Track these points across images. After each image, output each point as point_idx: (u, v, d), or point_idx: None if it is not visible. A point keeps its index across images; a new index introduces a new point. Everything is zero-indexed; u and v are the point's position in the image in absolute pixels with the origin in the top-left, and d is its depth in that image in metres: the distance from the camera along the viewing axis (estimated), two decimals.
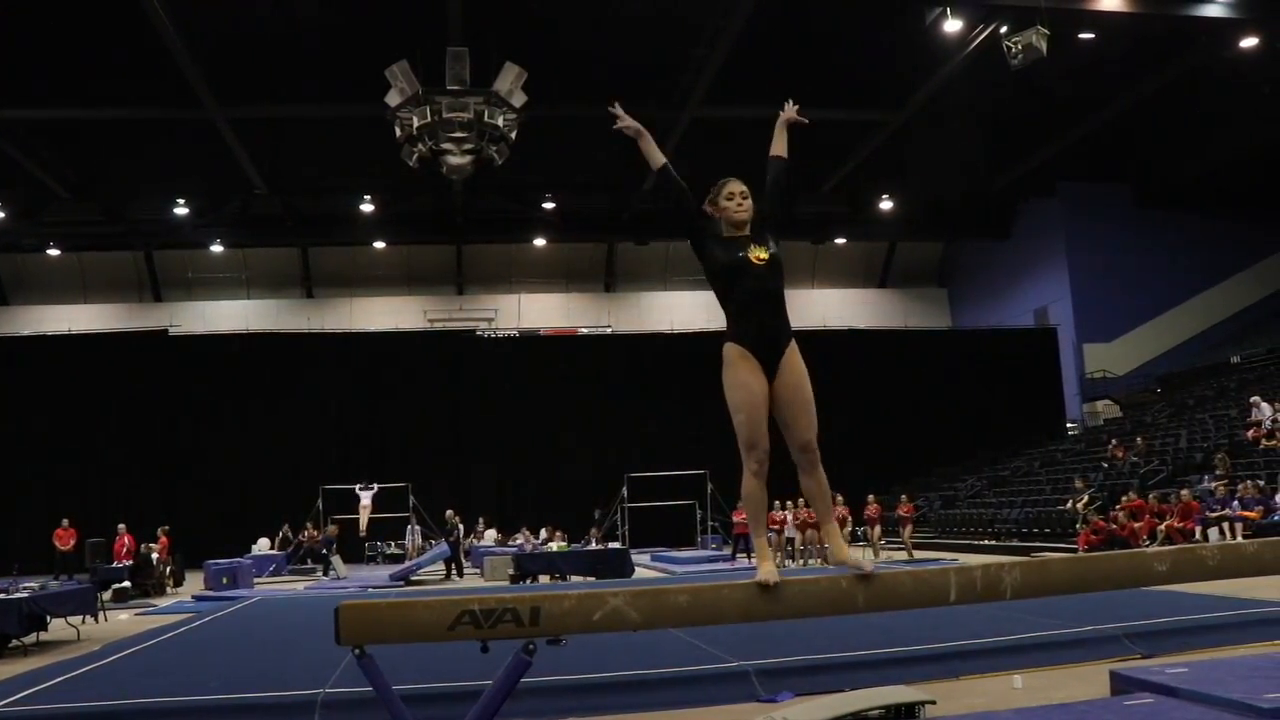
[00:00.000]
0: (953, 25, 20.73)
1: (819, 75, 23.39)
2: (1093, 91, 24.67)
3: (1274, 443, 18.27)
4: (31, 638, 10.26)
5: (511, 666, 3.70)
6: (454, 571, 19.86)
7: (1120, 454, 21.76)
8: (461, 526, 21.67)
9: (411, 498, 23.53)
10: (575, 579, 17.36)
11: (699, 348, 24.05)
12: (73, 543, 20.71)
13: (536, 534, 22.09)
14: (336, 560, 20.07)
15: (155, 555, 18.42)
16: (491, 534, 24.14)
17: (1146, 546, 14.37)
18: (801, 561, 19.17)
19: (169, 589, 18.39)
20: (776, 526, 18.74)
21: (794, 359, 4.07)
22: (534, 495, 27.28)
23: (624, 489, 23.95)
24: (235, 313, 33.62)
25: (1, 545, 21.89)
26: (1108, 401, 31.03)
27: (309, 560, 21.12)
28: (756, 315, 4.05)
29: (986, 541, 21.54)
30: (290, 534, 22.84)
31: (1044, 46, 19.15)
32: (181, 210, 30.36)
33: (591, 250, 35.81)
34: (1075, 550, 15.88)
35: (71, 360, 26.74)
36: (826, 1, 20.83)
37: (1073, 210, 31.89)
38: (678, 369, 26.80)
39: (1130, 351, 31.90)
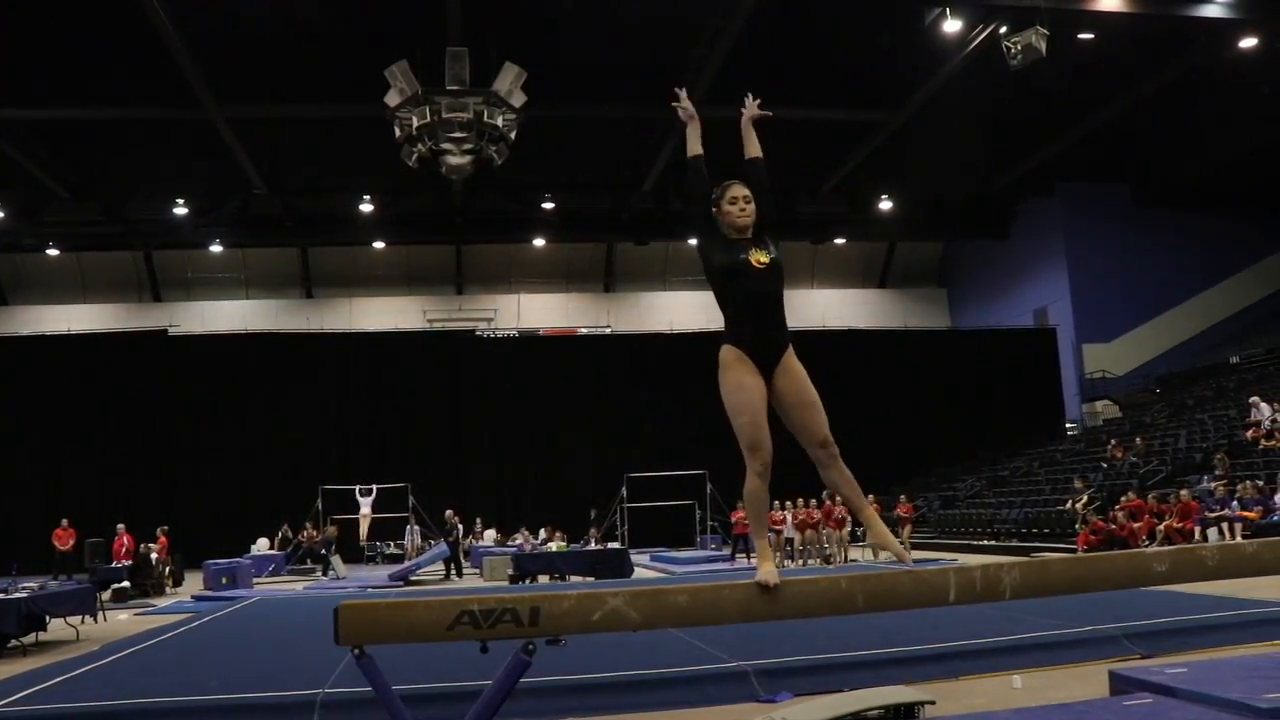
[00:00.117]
0: (952, 25, 20.73)
1: (818, 75, 23.42)
2: (1092, 92, 24.67)
3: (1273, 443, 18.28)
4: (31, 638, 10.26)
5: (511, 666, 3.69)
6: (453, 572, 19.86)
7: (1119, 454, 21.77)
8: (461, 526, 21.68)
9: (411, 498, 23.53)
10: (574, 579, 17.36)
11: (698, 348, 24.02)
12: (72, 543, 20.70)
13: (536, 534, 22.09)
14: (336, 560, 20.07)
15: (154, 555, 18.42)
16: (491, 534, 24.14)
17: (1146, 547, 14.37)
18: (801, 562, 19.18)
19: (168, 589, 18.40)
20: (776, 527, 18.75)
21: (793, 362, 4.07)
22: (533, 495, 27.29)
23: (623, 489, 23.96)
24: (234, 313, 33.61)
25: (0, 545, 21.86)
26: (1107, 402, 31.04)
27: (308, 560, 21.11)
28: (755, 318, 4.05)
29: (986, 542, 21.54)
30: (290, 534, 22.83)
31: (1043, 47, 19.16)
32: (181, 210, 30.35)
33: (591, 250, 35.82)
34: (1074, 550, 15.89)
35: (71, 360, 26.74)
36: (826, 2, 20.83)
37: (1072, 210, 31.89)
38: (677, 369, 26.79)
39: (1130, 352, 31.90)
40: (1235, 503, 15.24)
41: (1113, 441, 22.91)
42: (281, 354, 28.10)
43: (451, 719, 4.78)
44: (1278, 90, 23.69)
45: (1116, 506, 17.03)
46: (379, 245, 33.71)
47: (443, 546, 19.84)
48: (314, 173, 29.02)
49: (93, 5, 19.45)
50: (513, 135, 21.47)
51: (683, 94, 4.51)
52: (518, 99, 20.83)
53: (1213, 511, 15.27)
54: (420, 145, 21.20)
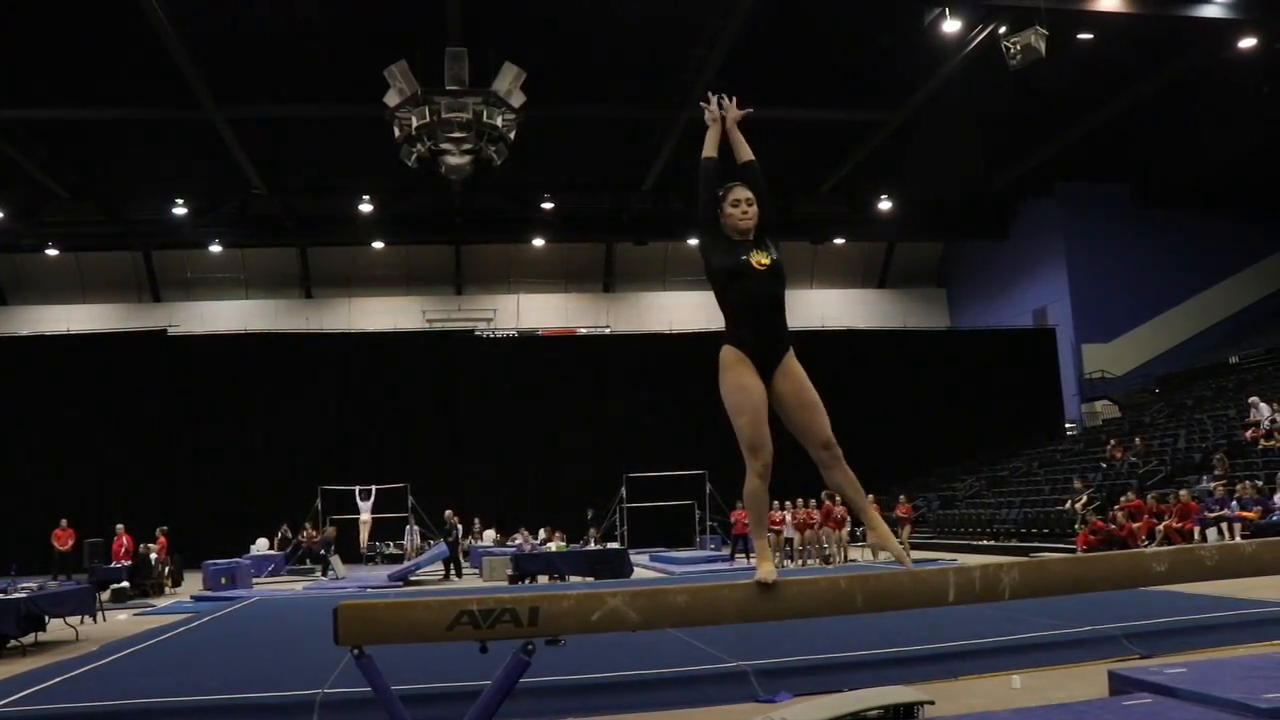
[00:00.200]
0: (951, 25, 20.73)
1: (818, 75, 23.43)
2: (1091, 92, 24.68)
3: (1272, 443, 18.28)
4: (30, 638, 10.26)
5: (510, 667, 3.69)
6: (452, 572, 19.85)
7: (1119, 454, 21.77)
8: (460, 527, 21.67)
9: (410, 498, 23.52)
10: (574, 579, 17.36)
11: (698, 348, 23.99)
12: (71, 543, 20.68)
13: (535, 534, 22.09)
14: (335, 560, 20.07)
15: (154, 555, 18.41)
16: (490, 534, 24.14)
17: (1145, 547, 14.37)
18: (800, 562, 19.19)
19: (167, 589, 18.39)
20: (775, 527, 18.75)
21: (793, 363, 4.07)
22: (533, 495, 27.28)
23: (623, 489, 23.96)
24: (234, 313, 33.59)
25: (0, 545, 21.86)
26: (1106, 402, 31.05)
27: (307, 560, 21.10)
28: (755, 319, 4.06)
29: (985, 542, 21.55)
30: (289, 534, 22.82)
31: (1043, 47, 19.16)
32: (180, 210, 30.35)
33: (590, 250, 35.82)
34: (1074, 550, 15.89)
35: (70, 360, 26.72)
36: (825, 2, 20.83)
37: (1072, 210, 31.91)
38: (676, 369, 26.77)
39: (1129, 352, 31.91)
40: (1234, 503, 15.25)
41: (1112, 441, 22.91)
42: (281, 354, 28.10)
43: (451, 719, 4.78)
44: (1276, 90, 23.70)
45: (1116, 506, 17.03)
46: (378, 245, 33.71)
47: (442, 547, 19.84)
48: (313, 173, 29.03)
49: (92, 5, 19.45)
50: (512, 135, 21.47)
51: (714, 99, 4.58)
52: (517, 99, 20.84)
53: (1212, 511, 15.27)
54: (420, 145, 21.21)
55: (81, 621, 11.39)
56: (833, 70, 23.22)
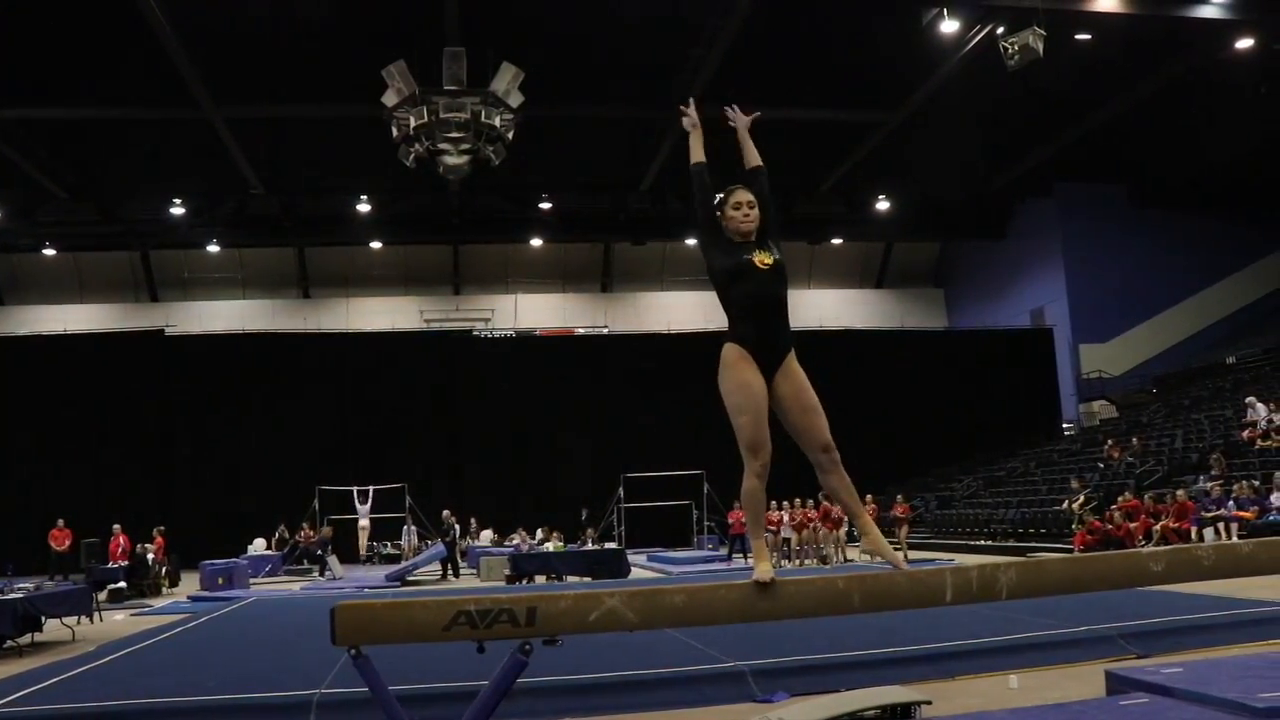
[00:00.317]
0: (950, 26, 20.74)
1: (816, 76, 23.44)
2: (1089, 92, 24.70)
3: (1269, 443, 18.31)
4: (26, 638, 10.24)
5: (507, 667, 3.70)
6: (450, 572, 19.85)
7: (1116, 454, 21.79)
8: (458, 527, 21.66)
9: (408, 498, 23.52)
10: (572, 579, 17.36)
11: (696, 348, 24.01)
12: (68, 543, 20.65)
13: (533, 534, 22.08)
14: (333, 560, 20.06)
15: (151, 556, 18.40)
16: (488, 534, 24.13)
17: (1142, 547, 14.39)
18: (798, 562, 19.20)
19: (164, 589, 18.37)
20: (773, 527, 18.75)
21: (794, 366, 4.09)
22: (530, 496, 27.26)
23: (620, 489, 23.95)
24: (231, 313, 33.58)
25: None
26: (1104, 402, 31.06)
27: (305, 560, 21.09)
28: (758, 318, 4.07)
29: (983, 542, 21.56)
30: (286, 534, 22.81)
31: (1040, 47, 19.17)
32: (178, 210, 30.31)
33: (588, 250, 35.82)
34: (1071, 550, 15.91)
35: (67, 360, 26.71)
36: (823, 2, 20.84)
37: (1069, 210, 31.92)
38: (674, 369, 26.79)
39: (1126, 352, 31.94)
40: (1231, 503, 15.26)
41: (1109, 442, 22.93)
42: (278, 354, 28.07)
43: (448, 719, 4.78)
44: (1274, 91, 23.72)
45: (1113, 506, 17.05)
46: (376, 245, 33.69)
47: (440, 547, 19.84)
48: (311, 173, 29.00)
49: (90, 5, 19.44)
50: (510, 135, 21.49)
51: (690, 105, 4.55)
52: (515, 99, 20.85)
53: (1209, 511, 15.29)
54: (418, 145, 21.22)
55: (78, 622, 11.39)
56: (831, 70, 23.23)
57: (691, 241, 32.74)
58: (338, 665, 6.77)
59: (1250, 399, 20.11)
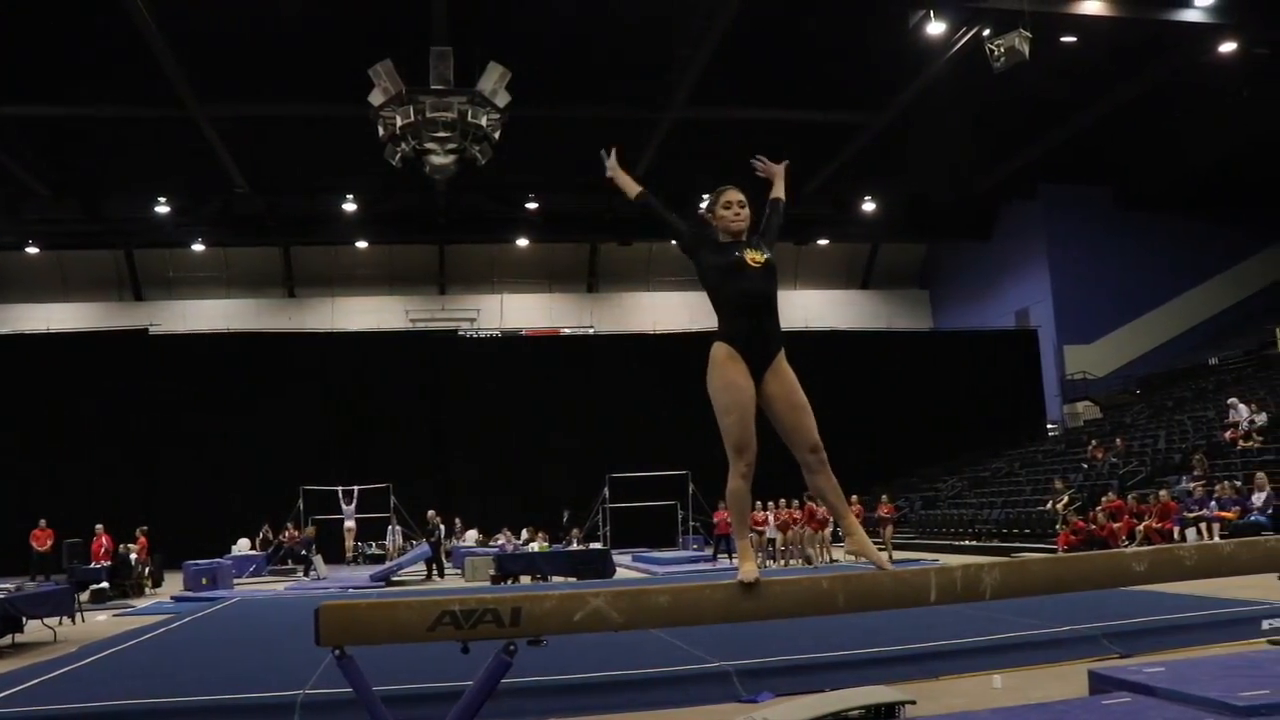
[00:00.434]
0: (936, 28, 20.80)
1: (803, 77, 23.48)
2: (1074, 94, 24.81)
3: (1251, 444, 18.43)
4: (7, 639, 10.17)
5: (492, 667, 3.69)
6: (435, 572, 19.80)
7: (1100, 455, 21.89)
8: (443, 527, 21.62)
9: (393, 498, 23.46)
10: (556, 580, 17.34)
11: (681, 348, 24.15)
12: (50, 543, 20.51)
13: (518, 535, 22.06)
14: (318, 560, 20.00)
15: (134, 556, 18.30)
16: (473, 534, 24.09)
17: (1125, 547, 14.46)
18: (783, 562, 19.22)
19: (148, 590, 18.27)
20: (758, 527, 18.77)
21: (784, 365, 4.09)
22: (516, 496, 27.22)
23: (605, 489, 23.95)
24: (216, 312, 33.44)
25: None
26: (1088, 403, 31.23)
27: (289, 560, 21.02)
28: (749, 317, 4.07)
29: (967, 542, 21.63)
30: (270, 534, 22.73)
31: (1026, 49, 19.24)
32: (162, 209, 30.16)
33: (574, 250, 35.80)
34: (1055, 551, 15.97)
35: (50, 359, 26.54)
36: (810, 4, 20.87)
37: (1054, 212, 32.07)
38: (660, 370, 26.81)
39: (1110, 353, 32.10)
40: (1213, 503, 15.35)
41: (1093, 442, 23.04)
42: (263, 354, 27.97)
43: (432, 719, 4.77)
44: (1256, 94, 23.88)
45: (1097, 507, 17.12)
46: (362, 245, 33.61)
47: (424, 547, 19.80)
48: (297, 172, 28.87)
49: (75, 2, 19.32)
50: (497, 135, 21.45)
51: (611, 154, 4.65)
52: (502, 99, 20.81)
53: (1191, 512, 15.38)
54: (404, 145, 21.16)
55: (60, 623, 11.31)
56: (818, 71, 23.26)
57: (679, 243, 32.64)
58: (322, 666, 6.74)
59: (1232, 400, 20.23)
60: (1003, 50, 19.48)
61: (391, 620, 3.66)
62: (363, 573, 20.13)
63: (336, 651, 3.59)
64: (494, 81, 20.60)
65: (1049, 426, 31.32)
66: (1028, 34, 19.25)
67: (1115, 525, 16.02)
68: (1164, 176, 30.51)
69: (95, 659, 8.70)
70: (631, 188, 4.40)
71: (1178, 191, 30.83)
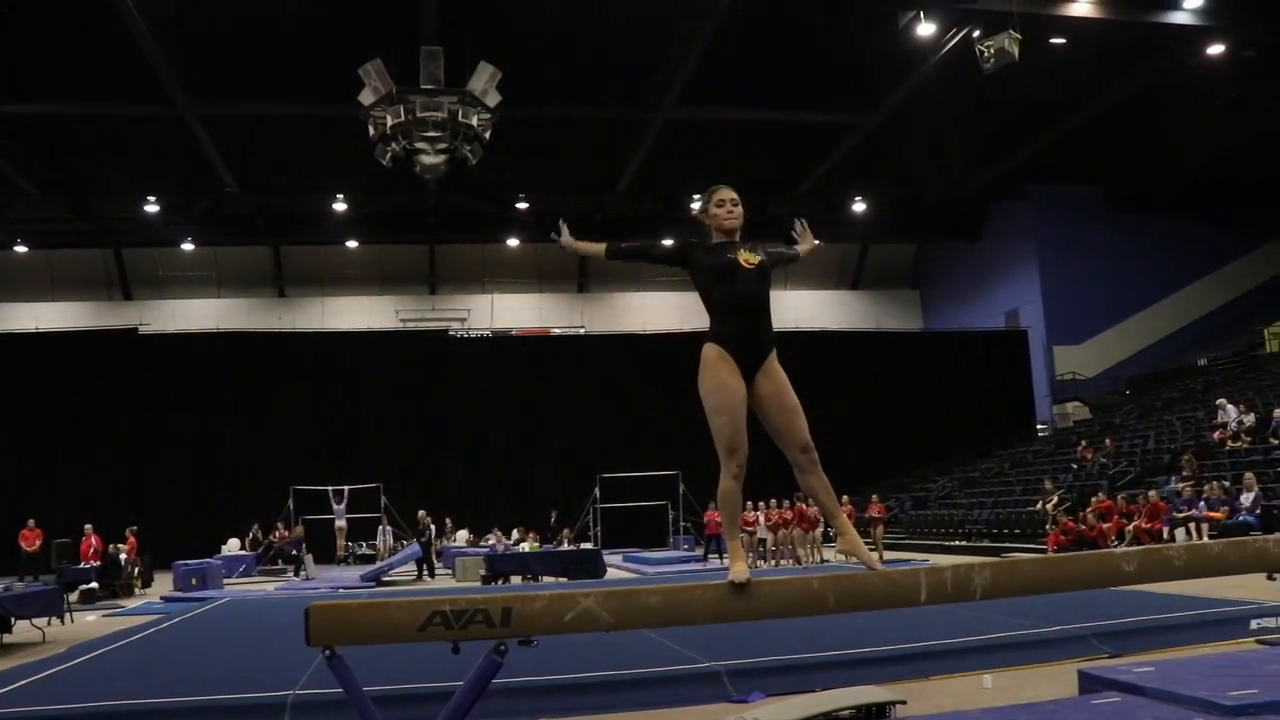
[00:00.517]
0: (926, 29, 20.86)
1: (794, 77, 23.52)
2: (1064, 96, 24.90)
3: (1239, 444, 18.49)
4: None
5: (482, 668, 3.69)
6: (426, 572, 19.77)
7: (1089, 455, 21.95)
8: (433, 527, 21.58)
9: (383, 498, 23.42)
10: (547, 580, 17.32)
11: (672, 348, 24.18)
12: (38, 543, 20.40)
13: (508, 535, 22.04)
14: (308, 560, 19.96)
15: (123, 556, 18.22)
16: (463, 534, 24.06)
17: (1115, 547, 14.50)
18: (774, 562, 19.23)
19: (137, 590, 18.19)
20: (749, 528, 18.78)
21: (775, 366, 4.10)
22: (506, 496, 27.20)
23: (596, 490, 23.94)
24: (206, 312, 33.36)
25: None
26: (1077, 403, 31.31)
27: (279, 560, 20.98)
28: (741, 318, 4.08)
29: (957, 542, 21.67)
30: (260, 534, 22.67)
31: (1016, 51, 19.30)
32: (152, 208, 30.04)
33: (565, 250, 35.66)
34: (1045, 551, 16.00)
35: (39, 359, 26.43)
36: (801, 4, 20.90)
37: (1044, 213, 32.16)
38: (651, 370, 26.82)
39: (1100, 354, 32.20)
40: (1202, 503, 15.39)
41: (1083, 443, 23.09)
42: (253, 354, 27.89)
43: None
44: (1245, 96, 23.99)
45: (1087, 507, 17.17)
46: (352, 244, 33.55)
47: (415, 547, 19.75)
48: (287, 171, 28.82)
49: (64, 0, 19.25)
50: (487, 135, 21.43)
51: (564, 229, 4.66)
52: (492, 98, 20.80)
53: (1180, 512, 15.42)
54: (394, 144, 21.14)
55: (49, 623, 11.27)
56: (809, 72, 23.31)
57: (668, 242, 32.61)
58: (312, 666, 6.73)
59: (1221, 401, 20.29)
60: (992, 51, 19.53)
61: (382, 620, 3.66)
62: (353, 573, 20.10)
63: (327, 652, 3.59)
64: (484, 81, 20.58)
65: (1039, 427, 31.39)
66: (1017, 35, 19.31)
67: (1105, 525, 16.06)
68: (1153, 178, 30.63)
69: (84, 659, 8.66)
70: (596, 249, 4.43)
71: (1167, 193, 30.95)
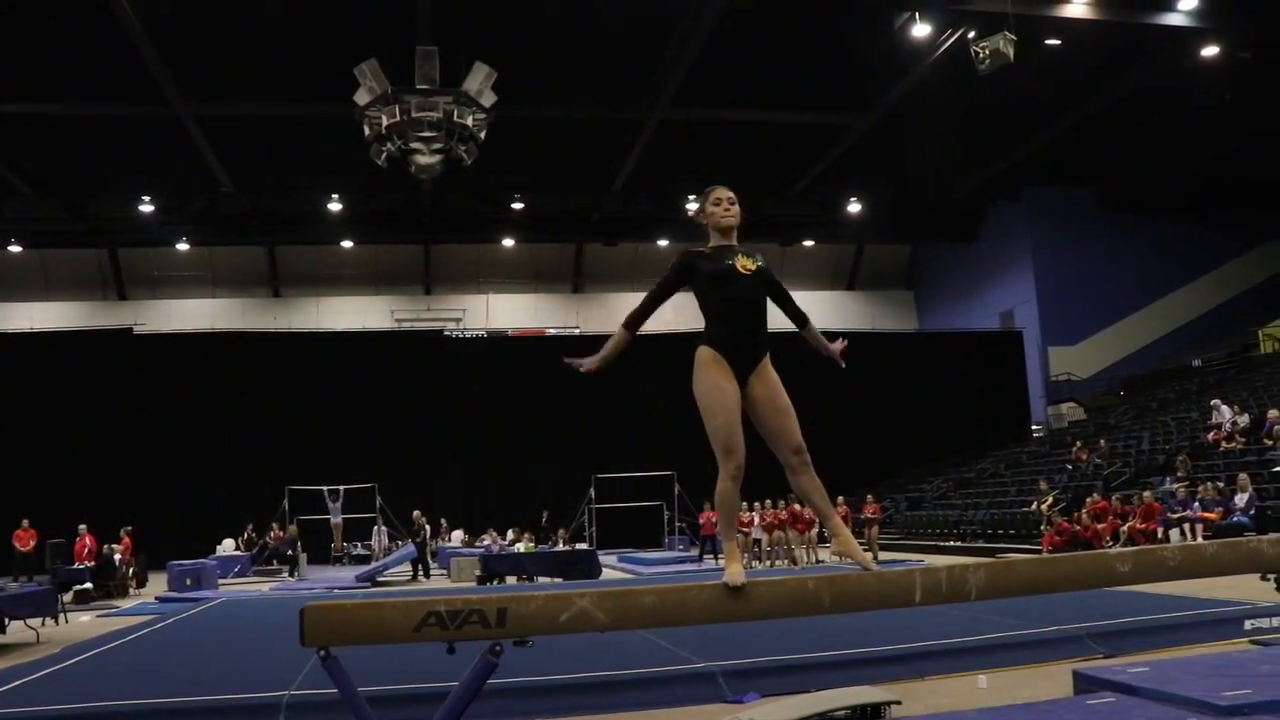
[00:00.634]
0: (921, 30, 20.88)
1: (789, 78, 23.52)
2: (1059, 97, 24.93)
3: (1233, 445, 18.53)
4: None
5: (477, 668, 3.68)
6: (421, 572, 19.76)
7: (1084, 456, 21.98)
8: (428, 527, 21.58)
9: (378, 498, 23.39)
10: (542, 580, 17.32)
11: (667, 349, 24.01)
12: (33, 544, 20.35)
13: (503, 535, 22.03)
14: (302, 560, 19.94)
15: (118, 556, 18.20)
16: (458, 535, 24.05)
17: (1109, 547, 14.52)
18: (769, 563, 19.22)
19: (132, 590, 18.17)
20: (744, 529, 18.78)
21: (769, 368, 4.12)
22: (501, 496, 27.19)
23: (591, 490, 23.92)
24: (201, 312, 33.31)
25: None
26: (1072, 404, 31.33)
27: (274, 561, 20.95)
28: (737, 322, 4.10)
29: (952, 543, 21.69)
30: (255, 535, 22.64)
31: (1011, 52, 19.31)
32: (146, 208, 29.98)
33: (560, 251, 35.78)
34: (1039, 551, 16.03)
35: (33, 359, 26.34)
36: (796, 5, 20.91)
37: (1038, 214, 32.20)
38: (646, 370, 26.65)
39: (1094, 354, 32.25)
40: (1196, 504, 15.43)
41: (1077, 443, 23.13)
42: (248, 354, 27.84)
43: None
44: (1239, 97, 24.03)
45: (1082, 508, 17.19)
46: (347, 244, 33.52)
47: (410, 547, 19.75)
48: (282, 171, 28.79)
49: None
50: (482, 135, 21.43)
51: (581, 363, 4.49)
52: (488, 99, 20.79)
53: (1175, 513, 15.46)
54: (389, 144, 21.11)
55: (43, 623, 11.24)
56: (804, 73, 23.31)
57: (664, 243, 32.76)
58: (307, 666, 6.72)
59: (1215, 401, 20.34)
60: (988, 52, 19.55)
61: (377, 621, 3.65)
62: (348, 573, 20.08)
63: (322, 652, 3.58)
64: (480, 81, 20.58)
65: (1033, 428, 31.43)
66: (1012, 36, 19.32)
67: (1099, 526, 16.09)
68: (1148, 179, 30.67)
69: (79, 660, 8.64)
70: (619, 337, 4.37)
71: (1161, 194, 31.00)
